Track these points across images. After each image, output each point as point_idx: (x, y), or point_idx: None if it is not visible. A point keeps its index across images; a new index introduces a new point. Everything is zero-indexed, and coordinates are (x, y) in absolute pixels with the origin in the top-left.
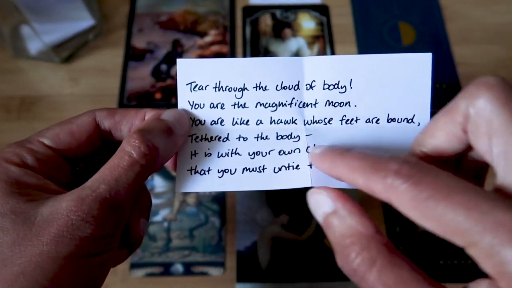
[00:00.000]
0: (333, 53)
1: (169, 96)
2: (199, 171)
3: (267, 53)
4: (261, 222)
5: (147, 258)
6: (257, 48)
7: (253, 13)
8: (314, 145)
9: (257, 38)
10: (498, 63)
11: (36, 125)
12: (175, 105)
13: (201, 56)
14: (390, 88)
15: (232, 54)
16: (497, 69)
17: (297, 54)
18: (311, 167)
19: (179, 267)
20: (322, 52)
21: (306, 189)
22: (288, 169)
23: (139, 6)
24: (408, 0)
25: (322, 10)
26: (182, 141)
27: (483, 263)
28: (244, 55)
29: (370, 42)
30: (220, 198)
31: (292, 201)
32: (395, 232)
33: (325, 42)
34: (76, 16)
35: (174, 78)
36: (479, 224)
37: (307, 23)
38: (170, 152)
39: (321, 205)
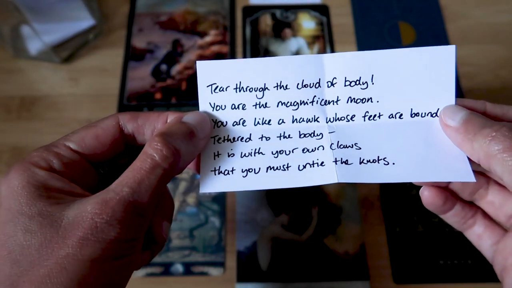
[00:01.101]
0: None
1: (169, 96)
2: (223, 171)
3: (267, 53)
4: (261, 222)
5: None
6: (257, 48)
7: (253, 13)
8: (338, 142)
9: (257, 38)
10: (498, 63)
11: (36, 125)
12: (175, 105)
13: (201, 56)
14: (413, 82)
15: (232, 54)
16: (497, 69)
17: (297, 54)
18: (336, 163)
19: (179, 267)
20: (322, 52)
21: (307, 189)
22: (313, 166)
23: (139, 6)
24: (408, 0)
25: (322, 10)
26: (204, 143)
27: None
28: (244, 55)
29: (370, 42)
30: (220, 198)
31: (292, 201)
32: (395, 232)
33: (325, 42)
34: (76, 16)
35: (174, 78)
36: None
37: (307, 23)
38: (192, 155)
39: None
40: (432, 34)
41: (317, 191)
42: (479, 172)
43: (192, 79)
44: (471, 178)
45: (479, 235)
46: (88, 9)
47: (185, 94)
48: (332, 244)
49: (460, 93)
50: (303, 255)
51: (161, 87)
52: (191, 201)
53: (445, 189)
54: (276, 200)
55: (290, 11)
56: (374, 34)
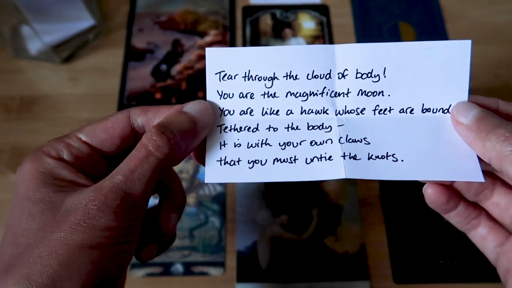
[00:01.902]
0: None
1: (169, 96)
2: (228, 162)
3: None
4: (261, 222)
5: None
6: None
7: (253, 13)
8: (347, 135)
9: (257, 38)
10: (498, 63)
11: (36, 125)
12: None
13: (201, 56)
14: (425, 77)
15: None
16: (497, 69)
17: None
18: (344, 158)
19: (179, 267)
20: None
21: (307, 189)
22: (321, 160)
23: (139, 6)
24: (408, 0)
25: (322, 10)
26: (204, 133)
27: None
28: None
29: (370, 42)
30: (220, 198)
31: (292, 201)
32: (395, 232)
33: (325, 42)
34: (76, 16)
35: (174, 78)
36: None
37: (307, 23)
38: (191, 145)
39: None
40: (432, 34)
41: (317, 190)
42: (486, 172)
43: (192, 79)
44: (480, 178)
45: (483, 237)
46: (88, 9)
47: (185, 94)
48: (332, 244)
49: None
50: (303, 255)
51: (161, 87)
52: (191, 201)
53: (449, 188)
54: (276, 200)
55: (290, 11)
56: (374, 34)
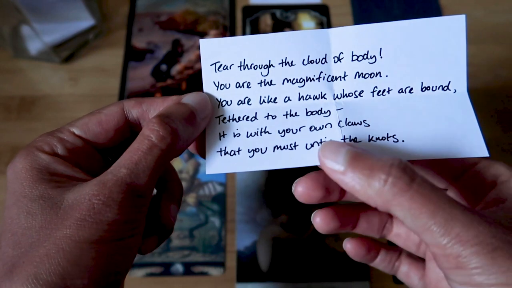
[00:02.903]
0: None
1: None
2: (229, 152)
3: None
4: (261, 222)
5: (147, 258)
6: None
7: (253, 13)
8: (346, 119)
9: None
10: (498, 63)
11: (36, 125)
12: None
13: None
14: (422, 54)
15: None
16: (497, 69)
17: None
18: (344, 141)
19: (179, 267)
20: None
21: None
22: (321, 144)
23: (139, 6)
24: (408, 0)
25: (322, 10)
26: (204, 124)
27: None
28: None
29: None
30: (220, 198)
31: (292, 201)
32: None
33: None
34: (76, 16)
35: (174, 78)
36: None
37: (307, 23)
38: (191, 136)
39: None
40: None
41: None
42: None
43: (192, 79)
44: (484, 152)
45: (406, 274)
46: (88, 9)
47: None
48: (332, 244)
49: None
50: (303, 255)
51: (161, 87)
52: (191, 201)
53: (366, 239)
54: (276, 200)
55: (290, 11)
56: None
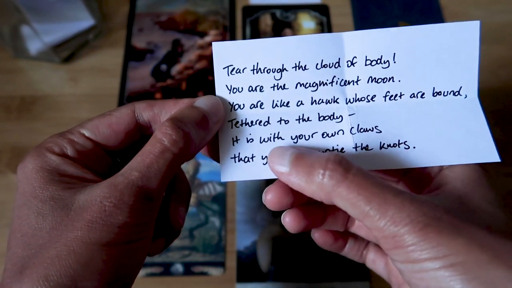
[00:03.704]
0: None
1: (169, 96)
2: (243, 159)
3: None
4: (261, 222)
5: (147, 258)
6: None
7: (253, 13)
8: (358, 125)
9: (257, 38)
10: (498, 63)
11: (36, 125)
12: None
13: (201, 56)
14: (435, 59)
15: None
16: (497, 69)
17: None
18: (356, 150)
19: (179, 267)
20: None
21: None
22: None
23: (139, 6)
24: (408, 0)
25: (322, 10)
26: (216, 128)
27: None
28: None
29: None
30: (220, 198)
31: None
32: None
33: None
34: (76, 16)
35: (174, 78)
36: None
37: (307, 23)
38: (204, 140)
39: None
40: None
41: None
42: None
43: (192, 79)
44: (495, 157)
45: (373, 261)
46: (88, 9)
47: (185, 94)
48: None
49: None
50: (303, 255)
51: (161, 87)
52: (191, 201)
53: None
54: None
55: (290, 11)
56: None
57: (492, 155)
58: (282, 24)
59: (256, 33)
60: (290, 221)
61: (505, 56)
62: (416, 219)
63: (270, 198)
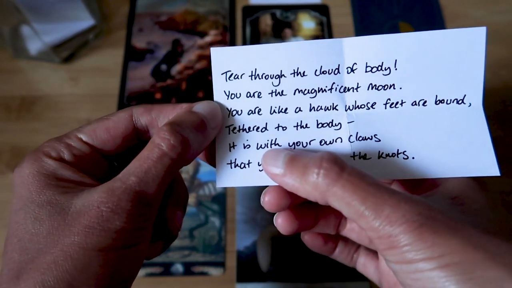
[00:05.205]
0: None
1: (169, 96)
2: (239, 165)
3: None
4: (261, 222)
5: None
6: None
7: (253, 13)
8: (357, 133)
9: (257, 38)
10: (498, 63)
11: (36, 125)
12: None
13: (201, 56)
14: (438, 67)
15: None
16: (497, 69)
17: None
18: (354, 159)
19: (179, 267)
20: None
21: None
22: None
23: (139, 6)
24: (408, 0)
25: (322, 10)
26: (214, 133)
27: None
28: None
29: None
30: (220, 198)
31: None
32: None
33: None
34: (76, 16)
35: (174, 78)
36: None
37: (307, 23)
38: (202, 145)
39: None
40: None
41: None
42: None
43: (192, 79)
44: (495, 171)
45: (364, 265)
46: (88, 9)
47: (185, 94)
48: None
49: None
50: (303, 255)
51: (161, 87)
52: (191, 201)
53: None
54: None
55: (290, 11)
56: (374, 34)
57: (492, 169)
58: (282, 24)
59: (256, 33)
60: (282, 222)
61: (505, 56)
62: (412, 218)
63: (268, 199)
